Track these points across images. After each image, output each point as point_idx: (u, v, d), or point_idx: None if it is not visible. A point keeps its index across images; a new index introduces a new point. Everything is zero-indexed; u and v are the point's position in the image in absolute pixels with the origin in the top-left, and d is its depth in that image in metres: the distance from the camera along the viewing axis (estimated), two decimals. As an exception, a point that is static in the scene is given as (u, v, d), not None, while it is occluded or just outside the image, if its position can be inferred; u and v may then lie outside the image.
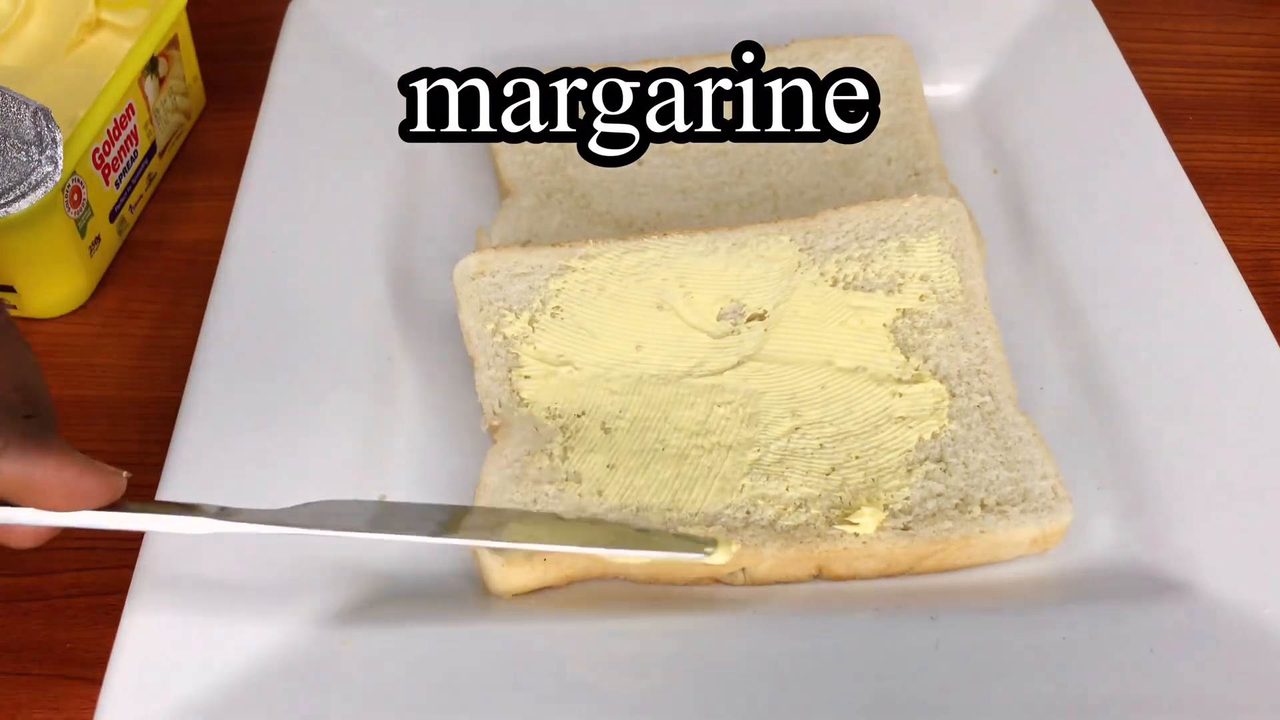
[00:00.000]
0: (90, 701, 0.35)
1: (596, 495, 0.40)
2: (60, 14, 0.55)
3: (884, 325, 0.45)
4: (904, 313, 0.45)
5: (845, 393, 0.43)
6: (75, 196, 0.49)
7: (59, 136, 0.46)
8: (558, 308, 0.45)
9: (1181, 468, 0.41)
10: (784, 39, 0.57)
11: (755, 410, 0.43)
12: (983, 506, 0.40)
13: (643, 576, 0.40)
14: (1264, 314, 0.45)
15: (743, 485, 0.41)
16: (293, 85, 0.55)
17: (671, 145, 0.54)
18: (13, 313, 0.51)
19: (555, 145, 0.54)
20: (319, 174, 0.52)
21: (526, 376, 0.44)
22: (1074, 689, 0.36)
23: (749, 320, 0.45)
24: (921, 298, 0.45)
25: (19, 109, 0.45)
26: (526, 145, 0.54)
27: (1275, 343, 0.44)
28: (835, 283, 0.46)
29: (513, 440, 0.42)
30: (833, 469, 0.41)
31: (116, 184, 0.53)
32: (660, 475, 0.41)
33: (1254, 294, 0.46)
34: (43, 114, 0.46)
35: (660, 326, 0.45)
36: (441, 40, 0.59)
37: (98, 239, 0.52)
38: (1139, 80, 0.55)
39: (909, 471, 0.41)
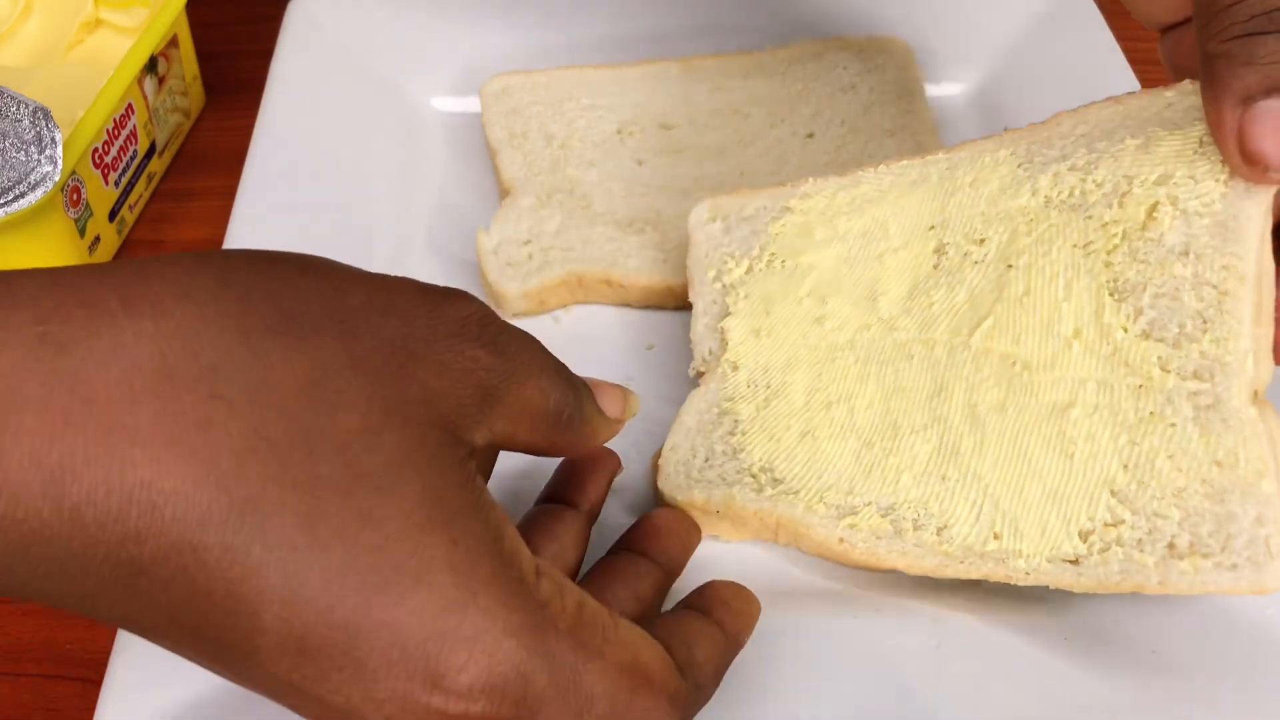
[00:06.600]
0: (90, 702, 0.35)
1: (783, 459, 0.38)
2: (60, 13, 0.55)
3: (1096, 255, 0.34)
4: (1124, 236, 0.34)
5: (1031, 366, 0.35)
6: (75, 196, 0.49)
7: (58, 136, 0.46)
8: (773, 254, 0.42)
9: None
10: (785, 39, 0.57)
11: (941, 385, 0.36)
12: (1171, 549, 0.31)
13: None
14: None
15: (906, 482, 0.36)
16: (292, 85, 0.55)
17: (672, 145, 0.54)
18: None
19: (555, 145, 0.54)
20: (318, 174, 0.52)
21: (736, 326, 0.42)
22: (1074, 689, 0.36)
23: (955, 261, 0.38)
24: (1153, 209, 0.34)
25: (18, 109, 0.45)
26: (526, 145, 0.54)
27: None
28: (1048, 203, 0.36)
29: (714, 387, 0.42)
30: (996, 476, 0.34)
31: (116, 184, 0.53)
32: (847, 448, 0.37)
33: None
34: (42, 114, 0.46)
35: (863, 278, 0.40)
36: (441, 40, 0.59)
37: (97, 239, 0.52)
38: (1139, 80, 0.55)
39: (1092, 490, 0.33)
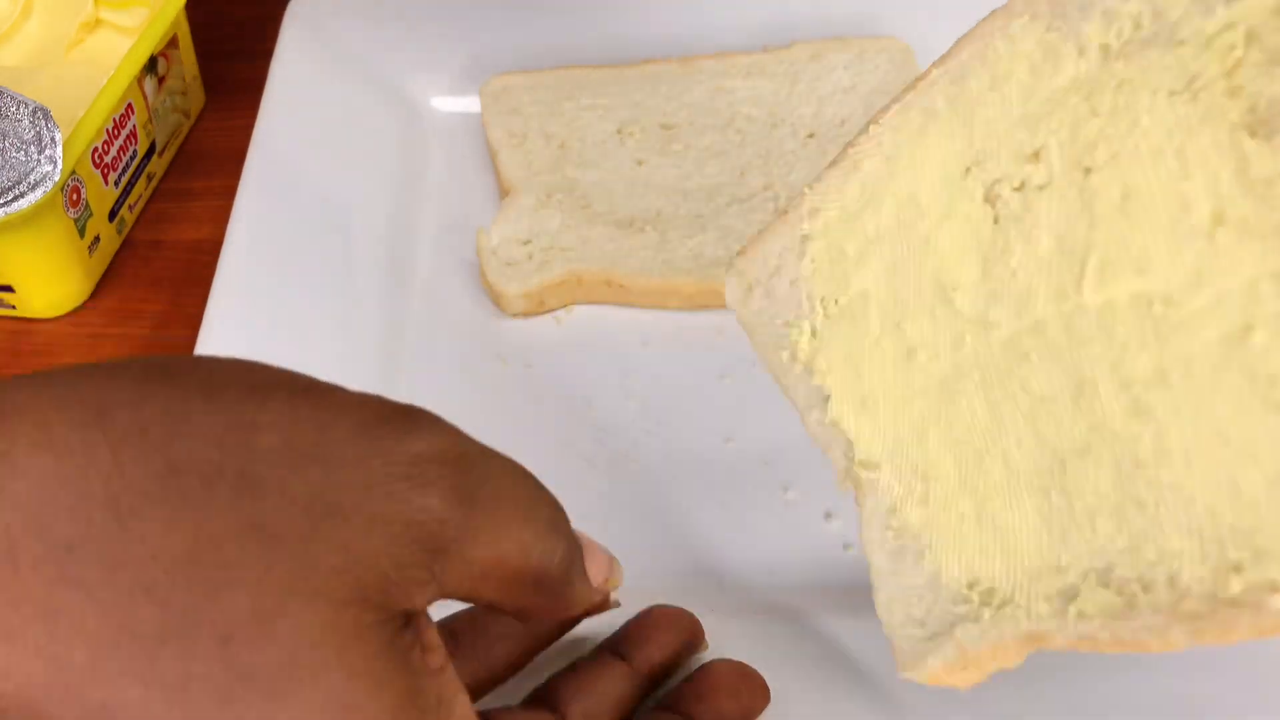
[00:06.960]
0: (90, 702, 0.35)
1: (978, 560, 0.29)
2: (59, 13, 0.55)
3: (1209, 90, 0.24)
4: (1246, 39, 0.23)
5: (1172, 297, 0.24)
6: (74, 196, 0.49)
7: (58, 136, 0.46)
8: (823, 299, 0.32)
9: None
10: (784, 40, 0.57)
11: (1079, 378, 0.26)
12: None
13: None
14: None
15: (1108, 530, 0.26)
16: (292, 85, 0.55)
17: (672, 145, 0.54)
18: (11, 313, 0.51)
19: (555, 145, 0.54)
20: (318, 173, 0.52)
21: (843, 412, 0.32)
22: (1074, 689, 0.36)
23: (1014, 202, 0.28)
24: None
25: (18, 109, 0.45)
26: (526, 144, 0.54)
27: None
28: (1106, 55, 0.26)
29: (870, 504, 0.31)
30: (1197, 478, 0.24)
31: (115, 183, 0.53)
32: (1027, 512, 0.28)
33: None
34: (42, 114, 0.46)
35: (922, 278, 0.30)
36: (441, 40, 0.59)
37: (97, 238, 0.52)
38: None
39: None
